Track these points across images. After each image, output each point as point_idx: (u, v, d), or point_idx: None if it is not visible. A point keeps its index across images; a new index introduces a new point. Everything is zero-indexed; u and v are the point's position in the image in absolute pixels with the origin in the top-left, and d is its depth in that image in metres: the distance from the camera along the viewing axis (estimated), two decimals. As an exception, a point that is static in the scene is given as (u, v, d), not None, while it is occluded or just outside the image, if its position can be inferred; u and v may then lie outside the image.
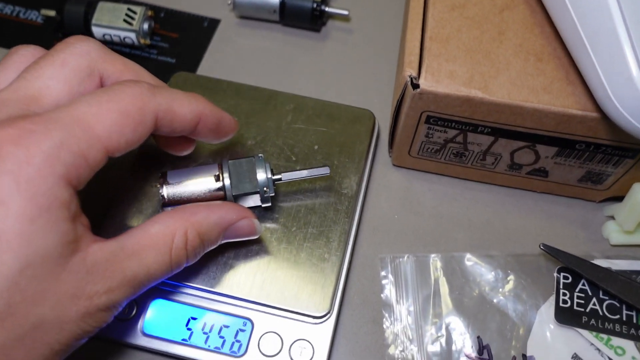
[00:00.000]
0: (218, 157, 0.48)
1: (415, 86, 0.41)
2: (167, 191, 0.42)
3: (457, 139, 0.45)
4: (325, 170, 0.45)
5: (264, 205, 0.45)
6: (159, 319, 0.43)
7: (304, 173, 0.45)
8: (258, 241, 0.44)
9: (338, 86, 0.56)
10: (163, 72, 0.55)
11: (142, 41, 0.56)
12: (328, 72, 0.57)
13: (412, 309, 0.45)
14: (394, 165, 0.51)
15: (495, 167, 0.47)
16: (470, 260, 0.46)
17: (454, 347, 0.43)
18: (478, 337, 0.44)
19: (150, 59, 0.57)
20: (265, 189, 0.43)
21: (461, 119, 0.42)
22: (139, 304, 0.43)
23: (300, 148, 0.49)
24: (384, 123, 0.53)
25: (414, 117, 0.44)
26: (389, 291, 0.46)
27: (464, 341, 0.44)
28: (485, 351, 0.43)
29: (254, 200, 0.44)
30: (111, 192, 0.47)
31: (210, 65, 0.57)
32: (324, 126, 0.50)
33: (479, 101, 0.41)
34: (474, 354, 0.43)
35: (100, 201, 0.48)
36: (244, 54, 0.58)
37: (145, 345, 0.42)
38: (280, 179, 0.44)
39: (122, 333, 0.42)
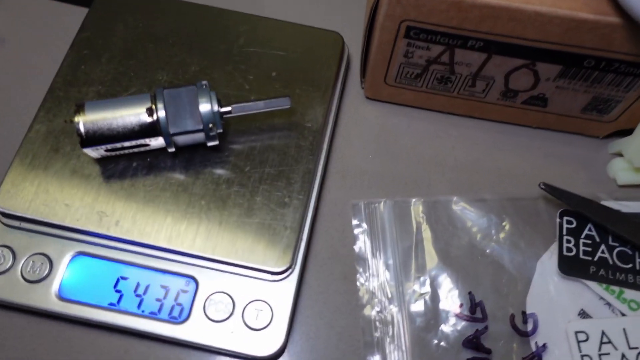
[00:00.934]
0: (150, 85, 0.39)
1: (393, -15, 0.33)
2: (84, 127, 0.34)
3: (442, 58, 0.37)
4: (285, 102, 0.37)
5: (210, 145, 0.36)
6: (79, 280, 0.35)
7: (259, 104, 0.36)
8: (202, 183, 0.36)
9: (300, 5, 0.47)
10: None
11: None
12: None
13: (390, 262, 0.37)
14: (366, 98, 0.44)
15: (486, 96, 0.40)
16: (458, 205, 0.39)
17: (441, 306, 0.36)
18: (469, 293, 0.37)
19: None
20: (210, 125, 0.35)
21: (448, 30, 0.35)
22: (53, 260, 0.35)
23: (254, 75, 0.40)
24: (355, 50, 0.45)
25: (391, 30, 0.36)
26: (363, 242, 0.38)
27: (452, 298, 0.36)
28: (478, 309, 0.36)
29: (197, 139, 0.36)
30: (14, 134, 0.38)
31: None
32: (283, 50, 0.42)
33: (470, 4, 0.33)
34: (465, 313, 0.36)
35: (9, 142, 0.39)
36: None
37: (61, 311, 0.34)
38: (229, 112, 0.36)
39: (32, 297, 0.34)
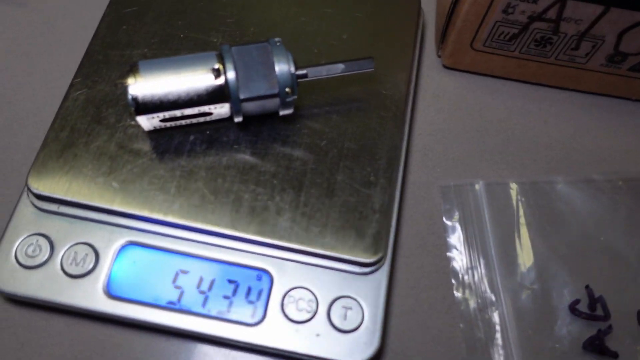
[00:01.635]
0: (204, 48, 0.34)
1: None
2: (138, 90, 0.28)
3: (549, 13, 0.32)
4: (368, 64, 0.31)
5: (282, 114, 0.31)
6: (130, 274, 0.29)
7: (339, 67, 0.31)
8: (273, 159, 0.31)
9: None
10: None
11: None
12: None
13: (489, 252, 0.32)
14: (444, 67, 0.38)
15: (589, 61, 0.35)
16: (562, 187, 0.34)
17: (554, 302, 0.31)
18: (587, 287, 0.31)
19: None
20: (287, 89, 0.29)
21: (565, -23, 0.30)
22: (99, 251, 0.29)
23: (323, 38, 0.35)
24: (428, 13, 0.40)
25: (496, -22, 0.31)
26: (456, 230, 0.33)
27: (566, 293, 0.31)
28: (598, 305, 0.31)
29: (267, 107, 0.30)
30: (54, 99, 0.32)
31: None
32: (353, 10, 0.36)
33: (598, -56, 0.28)
34: (583, 310, 0.31)
35: (45, 113, 0.34)
36: None
37: (110, 311, 0.28)
38: (305, 75, 0.30)
39: (75, 295, 0.28)
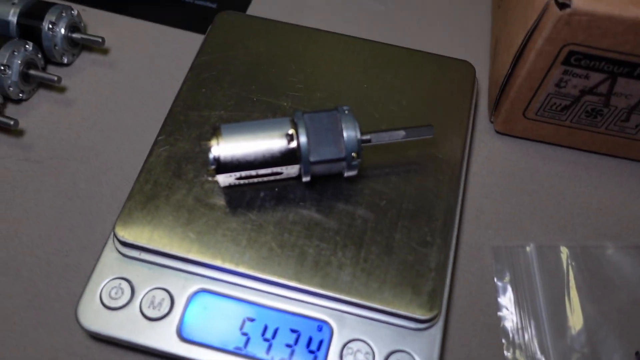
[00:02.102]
0: (275, 112, 0.37)
1: (564, 5, 0.30)
2: (220, 151, 0.31)
3: (600, 88, 0.34)
4: (428, 132, 0.34)
5: (347, 175, 0.33)
6: (202, 319, 0.31)
7: (400, 134, 0.33)
8: (336, 217, 0.33)
9: (421, 33, 0.45)
10: (201, 18, 0.44)
11: (177, -20, 0.45)
12: (409, 16, 0.46)
13: (540, 314, 0.33)
14: (497, 132, 0.40)
15: (639, 132, 0.37)
16: (613, 252, 0.35)
17: (605, 366, 0.32)
18: (637, 354, 0.32)
19: (186, 4, 0.46)
20: (353, 154, 0.32)
21: (616, 56, 0.32)
22: (174, 296, 0.32)
23: (384, 104, 0.38)
24: (481, 80, 0.42)
25: (549, 56, 0.33)
26: (507, 291, 0.34)
27: (616, 359, 0.32)
28: (649, 372, 0.31)
29: (334, 169, 0.33)
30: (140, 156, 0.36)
31: (262, 9, 0.46)
32: (412, 79, 0.39)
33: (650, 28, 0.30)
34: (634, 376, 0.31)
35: (128, 166, 0.37)
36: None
37: (182, 354, 0.30)
38: (369, 141, 0.33)
39: (152, 336, 0.31)
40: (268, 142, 0.32)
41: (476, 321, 0.34)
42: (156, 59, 0.43)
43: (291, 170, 0.32)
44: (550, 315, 0.33)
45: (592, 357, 0.32)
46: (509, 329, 0.33)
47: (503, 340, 0.33)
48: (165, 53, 0.43)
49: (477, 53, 0.43)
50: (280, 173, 0.33)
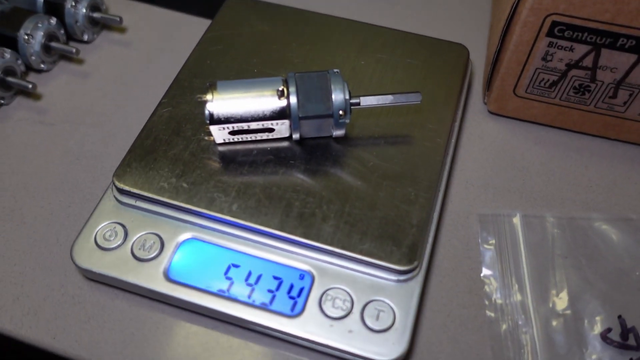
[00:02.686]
0: (282, 72, 0.39)
1: (544, -26, 0.32)
2: (214, 106, 0.33)
3: (585, 61, 0.35)
4: (415, 97, 0.35)
5: (335, 135, 0.35)
6: (189, 263, 0.33)
7: (388, 98, 0.35)
8: (324, 175, 0.34)
9: (422, 18, 0.47)
10: (215, 7, 0.47)
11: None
12: (412, 2, 0.48)
13: (523, 279, 0.34)
14: (490, 112, 0.42)
15: (627, 110, 0.37)
16: (600, 223, 0.35)
17: (585, 327, 0.32)
18: (619, 317, 0.32)
19: (201, -6, 0.49)
20: (340, 112, 0.34)
21: (598, 26, 0.33)
22: (165, 241, 0.33)
23: (378, 79, 0.39)
24: (477, 64, 0.44)
25: (534, 27, 0.34)
26: (492, 256, 0.35)
27: (598, 322, 0.32)
28: (631, 335, 0.31)
29: (322, 128, 0.35)
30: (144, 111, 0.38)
31: None
32: (407, 58, 0.41)
33: (628, -4, 0.31)
34: (614, 339, 0.31)
35: (135, 131, 0.39)
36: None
37: (168, 292, 0.32)
38: (358, 103, 0.35)
39: (140, 275, 0.32)
40: (260, 96, 0.33)
41: (459, 282, 0.34)
42: (169, 40, 0.46)
43: (282, 126, 0.34)
44: (534, 280, 0.33)
45: (573, 319, 0.32)
46: (492, 291, 0.33)
47: (485, 301, 0.33)
48: (178, 35, 0.46)
49: (476, 40, 0.45)
50: (272, 130, 0.34)
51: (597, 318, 0.32)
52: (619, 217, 0.36)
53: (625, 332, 0.31)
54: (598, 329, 0.32)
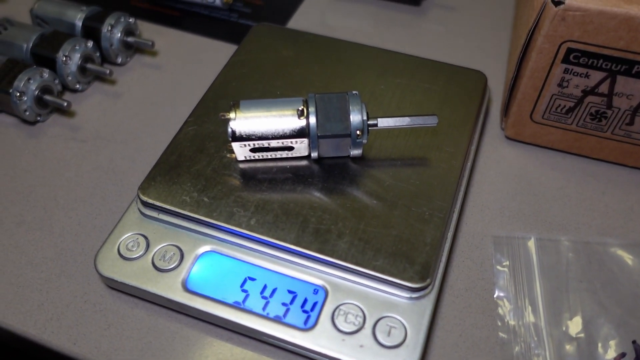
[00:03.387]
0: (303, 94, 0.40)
1: (558, 3, 0.33)
2: (237, 124, 0.35)
3: (601, 87, 0.36)
4: (432, 120, 0.36)
5: (353, 155, 0.36)
6: (207, 275, 0.34)
7: (405, 120, 0.36)
8: (340, 193, 0.35)
9: (442, 46, 0.49)
10: (242, 33, 0.49)
11: (225, 0, 0.51)
12: (430, 32, 0.49)
13: (537, 301, 0.34)
14: (507, 138, 0.42)
15: (645, 137, 0.37)
16: (616, 248, 0.35)
17: (599, 352, 0.31)
18: (634, 342, 0.32)
19: (230, 22, 0.51)
20: (358, 132, 0.35)
21: (613, 53, 0.34)
22: (184, 253, 0.34)
23: (396, 103, 0.40)
24: (495, 92, 0.45)
25: (549, 53, 0.35)
26: (506, 278, 0.35)
27: (612, 346, 0.32)
28: (645, 361, 0.31)
29: (339, 148, 0.36)
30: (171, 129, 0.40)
31: (298, 24, 0.51)
32: (426, 84, 0.42)
33: (640, 24, 0.32)
34: (629, 364, 0.31)
35: (162, 149, 0.41)
36: (337, 17, 0.51)
37: (185, 302, 0.32)
38: (375, 125, 0.36)
39: (159, 285, 0.33)
40: (281, 115, 0.35)
41: (472, 303, 0.34)
42: (197, 63, 0.48)
43: (301, 145, 0.35)
44: (548, 303, 0.33)
45: (587, 344, 0.32)
46: (505, 312, 0.33)
47: (498, 323, 0.33)
48: (206, 59, 0.48)
49: (495, 68, 0.46)
50: (292, 148, 0.36)
51: (611, 342, 0.32)
52: (635, 243, 0.35)
53: (639, 357, 0.31)
54: (612, 353, 0.31)
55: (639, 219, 0.37)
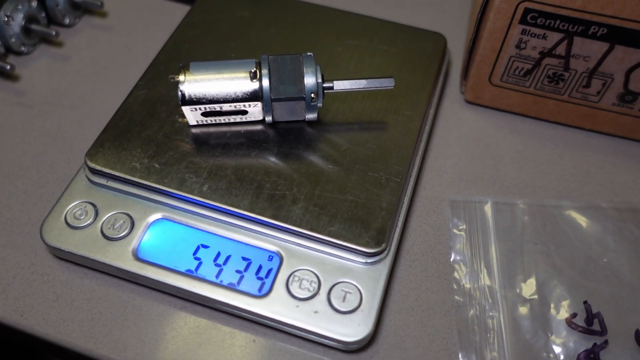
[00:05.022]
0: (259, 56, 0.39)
1: (516, -40, 0.32)
2: (186, 87, 0.33)
3: (558, 49, 0.35)
4: (388, 82, 0.35)
5: (308, 118, 0.35)
6: (159, 243, 0.33)
7: (362, 82, 0.35)
8: (295, 158, 0.35)
9: (403, 8, 0.48)
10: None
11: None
12: None
13: (492, 264, 0.34)
14: (466, 102, 0.42)
15: (601, 99, 0.37)
16: (568, 210, 0.36)
17: (551, 313, 0.32)
18: (585, 303, 0.32)
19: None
20: (312, 95, 0.34)
21: (569, 14, 0.33)
22: (135, 221, 0.33)
23: (354, 66, 0.39)
24: (455, 55, 0.44)
25: (507, 14, 0.34)
26: (462, 242, 0.35)
27: (564, 307, 0.32)
28: (595, 321, 0.31)
29: (294, 111, 0.35)
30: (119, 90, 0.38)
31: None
32: (385, 46, 0.41)
33: (597, -16, 0.31)
34: (579, 324, 0.31)
35: (109, 112, 0.39)
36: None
37: (136, 271, 0.32)
38: (331, 87, 0.35)
39: (109, 254, 0.32)
40: (232, 78, 0.33)
41: (428, 267, 0.34)
42: (149, 25, 0.46)
43: (254, 108, 0.34)
44: (502, 266, 0.34)
45: (540, 305, 0.32)
46: (460, 276, 0.34)
47: (454, 286, 0.33)
48: (158, 21, 0.46)
49: (456, 31, 0.45)
50: (245, 112, 0.35)
51: (563, 303, 0.32)
52: (590, 205, 0.36)
53: (590, 317, 0.31)
54: (564, 314, 0.32)
55: (594, 182, 0.38)
